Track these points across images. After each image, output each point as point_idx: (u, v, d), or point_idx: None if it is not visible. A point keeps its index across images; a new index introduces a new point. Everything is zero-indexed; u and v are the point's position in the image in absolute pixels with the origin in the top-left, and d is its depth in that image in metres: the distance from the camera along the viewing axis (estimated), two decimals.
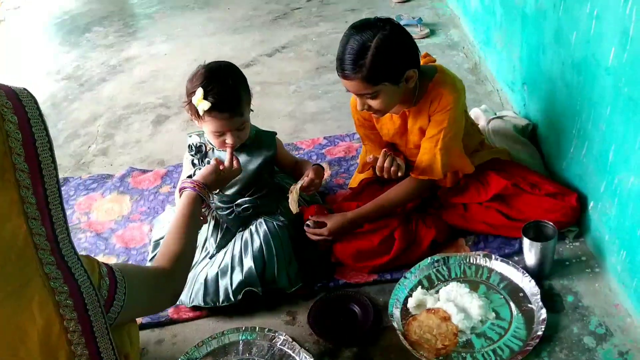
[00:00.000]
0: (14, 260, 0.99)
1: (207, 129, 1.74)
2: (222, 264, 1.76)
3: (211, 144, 1.83)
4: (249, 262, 1.74)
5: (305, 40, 3.42)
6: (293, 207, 1.79)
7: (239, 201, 1.83)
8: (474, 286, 1.69)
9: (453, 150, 1.78)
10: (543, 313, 1.55)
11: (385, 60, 1.55)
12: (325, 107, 2.75)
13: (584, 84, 1.68)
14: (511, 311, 1.61)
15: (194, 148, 1.84)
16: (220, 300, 1.72)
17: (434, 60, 1.83)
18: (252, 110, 1.82)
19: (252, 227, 1.81)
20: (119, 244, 2.09)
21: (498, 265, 1.73)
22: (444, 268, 1.77)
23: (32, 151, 1.01)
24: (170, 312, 1.78)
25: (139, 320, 1.75)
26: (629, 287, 1.55)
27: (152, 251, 1.96)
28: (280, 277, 1.76)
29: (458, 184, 1.91)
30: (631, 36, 1.38)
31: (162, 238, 1.95)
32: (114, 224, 2.19)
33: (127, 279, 1.21)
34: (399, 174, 1.73)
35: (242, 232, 1.83)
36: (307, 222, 1.82)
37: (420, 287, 1.70)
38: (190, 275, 1.79)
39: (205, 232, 1.85)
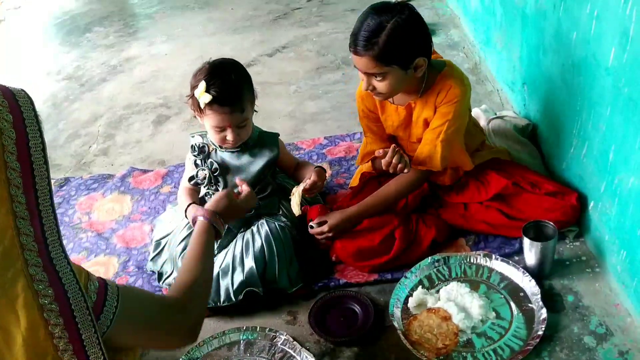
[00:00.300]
0: None
1: (208, 124, 1.75)
2: (223, 264, 1.76)
3: (214, 144, 1.83)
4: (250, 263, 1.74)
5: (306, 40, 3.42)
6: (295, 209, 1.79)
7: None
8: (474, 286, 1.69)
9: (454, 144, 1.78)
10: (543, 313, 1.56)
11: (398, 42, 1.58)
12: (326, 107, 2.75)
13: (584, 84, 1.68)
14: (511, 311, 1.62)
15: (196, 148, 1.84)
16: (221, 300, 1.73)
17: (442, 58, 1.84)
18: (256, 111, 1.83)
19: (254, 228, 1.82)
20: (119, 244, 2.10)
21: (498, 265, 1.74)
22: (445, 268, 1.77)
23: (25, 151, 1.00)
24: None
25: None
26: (629, 287, 1.56)
27: (154, 251, 1.96)
28: (281, 277, 1.76)
29: (459, 181, 1.91)
30: (631, 36, 1.38)
31: (163, 238, 1.96)
32: (114, 224, 2.20)
33: (122, 291, 1.16)
34: (405, 170, 1.73)
35: (243, 233, 1.83)
36: (311, 224, 1.82)
37: (420, 286, 1.71)
38: None
39: None
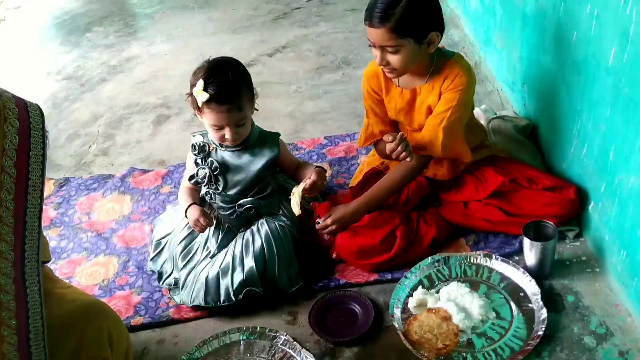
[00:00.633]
0: None
1: (207, 122, 1.76)
2: (223, 263, 1.76)
3: (214, 143, 1.83)
4: (250, 262, 1.74)
5: (306, 40, 3.42)
6: (295, 209, 1.80)
7: (240, 201, 1.84)
8: (474, 286, 1.69)
9: (455, 133, 1.79)
10: (543, 313, 1.56)
11: (415, 14, 1.61)
12: (326, 107, 2.75)
13: (584, 84, 1.68)
14: (512, 311, 1.62)
15: (197, 147, 1.84)
16: (221, 300, 1.73)
17: None
18: (256, 110, 1.83)
19: (254, 227, 1.82)
20: (119, 244, 2.10)
21: (498, 265, 1.73)
22: (445, 268, 1.77)
23: (24, 159, 1.00)
24: (171, 312, 1.78)
25: (139, 320, 1.76)
26: (629, 287, 1.56)
27: (154, 251, 1.96)
28: (281, 277, 1.76)
29: (457, 178, 1.92)
30: (631, 36, 1.38)
31: (163, 238, 1.96)
32: (114, 224, 2.19)
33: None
34: (408, 159, 1.74)
35: (243, 232, 1.83)
36: (318, 220, 1.83)
37: (420, 286, 1.70)
38: (191, 275, 1.80)
39: (207, 231, 1.85)
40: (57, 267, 2.03)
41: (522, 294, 1.65)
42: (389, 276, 1.78)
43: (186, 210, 1.83)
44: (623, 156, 1.52)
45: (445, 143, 1.76)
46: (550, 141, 2.04)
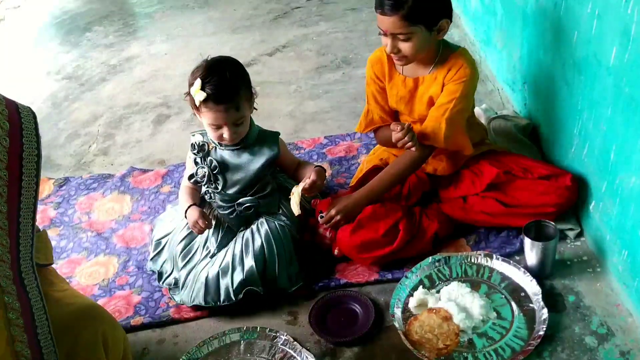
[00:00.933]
0: None
1: (205, 122, 1.76)
2: (222, 263, 1.76)
3: (214, 142, 1.83)
4: (250, 262, 1.74)
5: (306, 40, 3.42)
6: (295, 209, 1.79)
7: (240, 200, 1.84)
8: (475, 286, 1.69)
9: (458, 125, 1.79)
10: (544, 313, 1.55)
11: (427, 1, 1.62)
12: (326, 106, 2.75)
13: (585, 83, 1.68)
14: (512, 311, 1.61)
15: (196, 147, 1.84)
16: (221, 299, 1.72)
17: None
18: (255, 109, 1.83)
19: (254, 227, 1.81)
20: (119, 244, 2.09)
21: (499, 264, 1.73)
22: (445, 268, 1.77)
23: (16, 162, 0.99)
24: (171, 312, 1.78)
25: (139, 320, 1.75)
26: (630, 287, 1.55)
27: (154, 251, 1.96)
28: (281, 277, 1.76)
29: (455, 174, 1.92)
30: (632, 36, 1.37)
31: (163, 237, 1.96)
32: (114, 224, 2.19)
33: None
34: (413, 149, 1.76)
35: (243, 232, 1.83)
36: (321, 214, 1.83)
37: (421, 286, 1.70)
38: (191, 274, 1.80)
39: (207, 231, 1.85)
40: (57, 267, 2.01)
41: (523, 294, 1.65)
42: (389, 276, 1.78)
43: (186, 211, 1.83)
44: (624, 156, 1.51)
45: (448, 134, 1.77)
46: (551, 141, 2.03)
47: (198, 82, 1.68)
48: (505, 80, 2.50)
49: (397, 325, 1.60)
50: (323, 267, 1.85)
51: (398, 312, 1.65)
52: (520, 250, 1.76)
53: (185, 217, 1.83)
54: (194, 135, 1.90)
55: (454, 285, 1.67)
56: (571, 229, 1.81)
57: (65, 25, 4.19)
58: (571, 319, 1.58)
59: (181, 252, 1.86)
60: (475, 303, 1.61)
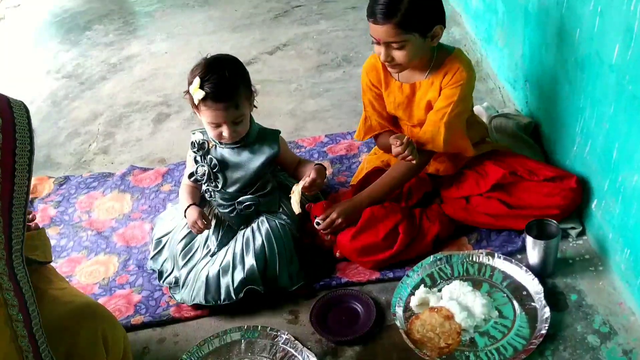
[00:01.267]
0: None
1: (204, 120, 1.76)
2: (223, 262, 1.75)
3: (214, 140, 1.83)
4: (250, 260, 1.73)
5: (306, 38, 3.41)
6: (295, 207, 1.79)
7: (240, 199, 1.83)
8: (476, 284, 1.68)
9: (457, 128, 1.79)
10: (546, 311, 1.55)
11: (420, 8, 1.60)
12: (326, 105, 2.74)
13: (587, 81, 1.67)
14: (514, 310, 1.61)
15: (196, 145, 1.84)
16: (222, 298, 1.72)
17: None
18: (255, 107, 1.82)
19: (254, 225, 1.81)
20: (120, 243, 2.09)
21: (501, 263, 1.73)
22: (447, 266, 1.76)
23: (9, 158, 0.98)
24: (172, 310, 1.77)
25: (140, 319, 1.75)
26: (633, 286, 1.55)
27: (154, 249, 1.95)
28: (281, 276, 1.75)
29: (457, 174, 1.91)
30: (635, 33, 1.37)
31: (163, 236, 1.95)
32: (115, 223, 2.19)
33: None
34: (413, 162, 1.75)
35: (243, 230, 1.82)
36: (317, 220, 1.81)
37: (422, 285, 1.70)
38: (192, 273, 1.79)
39: (207, 230, 1.84)
40: (57, 266, 2.01)
41: (524, 293, 1.64)
42: (390, 275, 1.77)
43: (185, 210, 1.83)
44: (626, 154, 1.51)
45: (447, 138, 1.76)
46: (552, 139, 2.03)
47: (197, 81, 1.67)
48: (506, 79, 2.49)
49: (398, 324, 1.60)
50: (324, 266, 1.84)
51: (399, 311, 1.65)
52: (522, 249, 1.75)
53: (185, 216, 1.83)
54: (194, 133, 1.89)
55: (456, 284, 1.66)
56: (573, 228, 1.80)
57: (65, 23, 4.18)
58: (573, 317, 1.57)
59: (182, 251, 1.85)
60: (476, 302, 1.60)
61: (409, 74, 1.80)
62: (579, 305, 1.60)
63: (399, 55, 1.67)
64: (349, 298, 1.72)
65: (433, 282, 1.73)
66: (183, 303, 1.78)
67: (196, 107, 1.73)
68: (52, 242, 2.11)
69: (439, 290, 1.68)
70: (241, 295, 1.71)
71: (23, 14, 4.53)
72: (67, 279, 1.88)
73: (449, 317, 1.58)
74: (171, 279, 1.86)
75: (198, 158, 1.85)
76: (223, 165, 1.83)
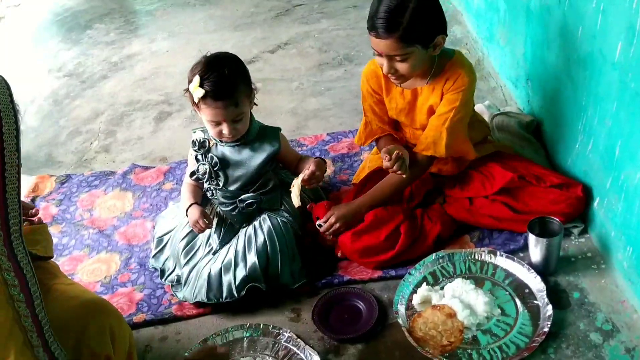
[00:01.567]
0: None
1: (204, 118, 1.76)
2: (225, 259, 1.75)
3: (214, 139, 1.83)
4: (252, 258, 1.73)
5: (307, 37, 3.41)
6: (295, 201, 1.79)
7: (242, 197, 1.83)
8: (479, 282, 1.68)
9: (459, 133, 1.78)
10: (549, 309, 1.55)
11: (422, 20, 1.59)
12: (328, 103, 2.74)
13: (590, 79, 1.67)
14: (517, 307, 1.61)
15: (197, 143, 1.84)
16: (224, 296, 1.72)
17: None
18: (256, 105, 1.82)
19: (256, 223, 1.81)
20: (121, 241, 2.09)
21: (503, 261, 1.72)
22: (449, 264, 1.76)
23: None
24: (174, 309, 1.77)
25: (141, 317, 1.75)
26: (636, 284, 1.55)
27: (155, 248, 1.95)
28: (283, 273, 1.75)
29: (463, 173, 1.91)
30: (638, 31, 1.37)
31: (165, 234, 1.95)
32: (116, 221, 2.18)
33: None
34: (403, 176, 1.75)
35: (245, 228, 1.82)
36: (319, 222, 1.81)
37: (425, 283, 1.70)
38: (194, 271, 1.79)
39: (207, 230, 1.84)
40: (59, 264, 1.98)
41: (527, 291, 1.64)
42: (393, 273, 1.77)
43: (187, 209, 1.83)
44: (629, 152, 1.50)
45: (449, 143, 1.76)
46: (554, 137, 2.02)
47: (197, 79, 1.68)
48: (508, 77, 2.49)
49: (400, 322, 1.60)
50: (326, 264, 1.84)
51: (402, 309, 1.65)
52: (524, 247, 1.75)
53: (187, 216, 1.83)
54: (194, 132, 1.89)
55: (458, 282, 1.66)
56: (575, 226, 1.80)
57: (66, 22, 4.18)
58: (576, 315, 1.57)
59: (183, 249, 1.85)
60: (479, 300, 1.60)
61: (410, 81, 1.79)
62: (582, 303, 1.60)
63: (402, 67, 1.66)
64: (351, 296, 1.72)
65: (435, 280, 1.73)
66: (185, 301, 1.78)
67: (196, 105, 1.73)
68: (54, 241, 2.10)
69: (441, 288, 1.68)
70: (243, 292, 1.71)
71: (24, 13, 4.53)
72: (69, 277, 1.89)
73: (452, 315, 1.58)
74: (173, 277, 1.86)
75: (199, 156, 1.85)
76: (224, 163, 1.83)
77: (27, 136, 2.81)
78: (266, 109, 2.66)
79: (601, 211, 1.71)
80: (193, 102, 1.74)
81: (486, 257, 1.75)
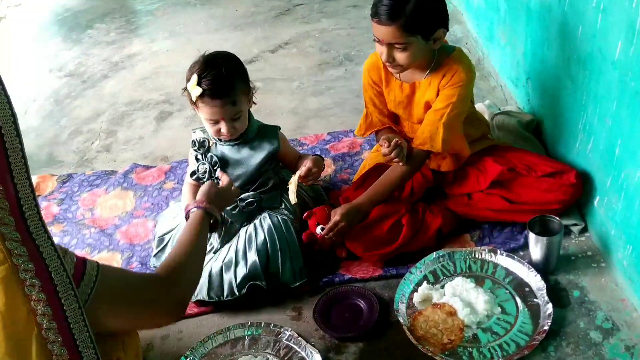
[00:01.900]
0: None
1: (202, 117, 1.77)
2: (226, 258, 1.76)
3: (214, 138, 1.83)
4: (253, 256, 1.74)
5: (308, 37, 3.42)
6: (292, 197, 1.80)
7: (242, 196, 1.84)
8: (479, 281, 1.69)
9: (455, 129, 1.79)
10: (549, 308, 1.55)
11: (425, 10, 1.60)
12: (328, 103, 2.75)
13: (590, 78, 1.67)
14: (517, 306, 1.61)
15: (197, 143, 1.85)
16: (225, 294, 1.72)
17: None
18: (254, 103, 1.83)
19: (257, 222, 1.81)
20: (123, 240, 2.09)
21: (503, 260, 1.73)
22: (449, 263, 1.76)
23: None
24: None
25: None
26: (636, 282, 1.55)
27: (157, 247, 1.96)
28: (284, 271, 1.75)
29: (461, 169, 1.92)
30: (638, 30, 1.37)
31: (166, 234, 1.95)
32: (117, 220, 2.19)
33: (102, 267, 1.15)
34: (401, 164, 1.77)
35: (246, 227, 1.83)
36: (321, 226, 1.79)
37: (425, 282, 1.70)
38: None
39: None
40: None
41: (527, 289, 1.65)
42: (393, 271, 1.78)
43: (187, 214, 1.83)
44: (629, 150, 1.51)
45: (445, 138, 1.77)
46: (555, 136, 2.03)
47: (194, 78, 1.69)
48: (508, 77, 2.50)
49: (401, 320, 1.60)
50: (327, 263, 1.85)
51: (402, 307, 1.65)
52: (525, 246, 1.76)
53: (186, 219, 1.83)
54: (194, 132, 1.90)
55: (459, 280, 1.67)
56: (575, 224, 1.81)
57: (67, 22, 4.19)
58: (576, 313, 1.58)
59: None
60: (479, 298, 1.60)
61: (409, 74, 1.81)
62: (582, 301, 1.61)
63: (400, 56, 1.67)
64: (352, 295, 1.73)
65: (436, 278, 1.73)
66: None
67: (194, 104, 1.75)
68: (56, 240, 2.08)
69: (442, 287, 1.68)
70: (244, 291, 1.71)
71: (24, 13, 4.54)
72: None
73: (452, 313, 1.58)
74: None
75: (199, 156, 1.86)
76: (224, 162, 1.84)
77: (28, 136, 2.82)
78: (267, 108, 2.67)
79: (601, 210, 1.71)
80: (191, 101, 1.75)
81: (486, 256, 1.75)
